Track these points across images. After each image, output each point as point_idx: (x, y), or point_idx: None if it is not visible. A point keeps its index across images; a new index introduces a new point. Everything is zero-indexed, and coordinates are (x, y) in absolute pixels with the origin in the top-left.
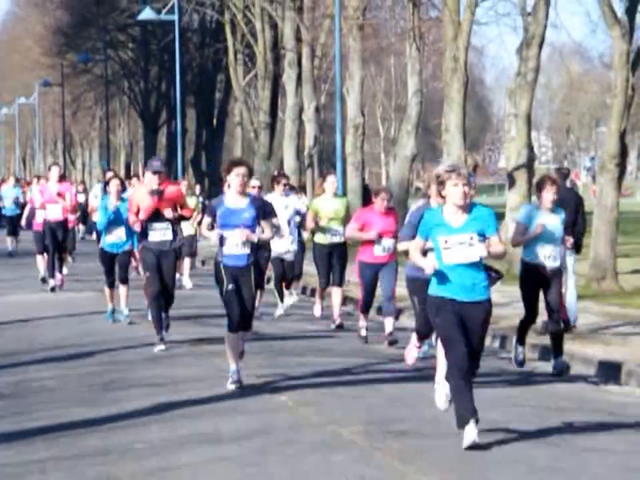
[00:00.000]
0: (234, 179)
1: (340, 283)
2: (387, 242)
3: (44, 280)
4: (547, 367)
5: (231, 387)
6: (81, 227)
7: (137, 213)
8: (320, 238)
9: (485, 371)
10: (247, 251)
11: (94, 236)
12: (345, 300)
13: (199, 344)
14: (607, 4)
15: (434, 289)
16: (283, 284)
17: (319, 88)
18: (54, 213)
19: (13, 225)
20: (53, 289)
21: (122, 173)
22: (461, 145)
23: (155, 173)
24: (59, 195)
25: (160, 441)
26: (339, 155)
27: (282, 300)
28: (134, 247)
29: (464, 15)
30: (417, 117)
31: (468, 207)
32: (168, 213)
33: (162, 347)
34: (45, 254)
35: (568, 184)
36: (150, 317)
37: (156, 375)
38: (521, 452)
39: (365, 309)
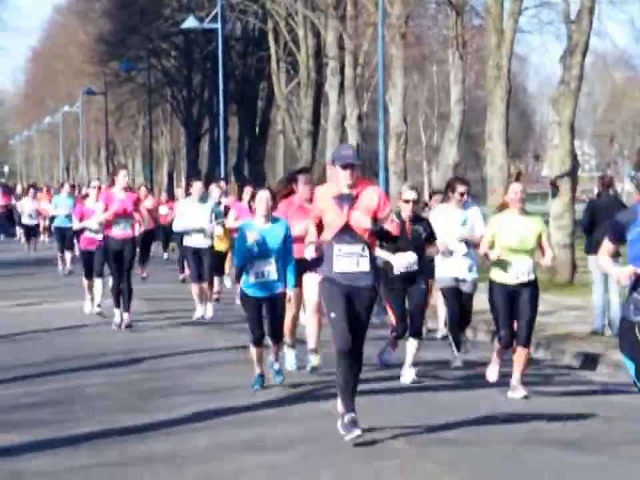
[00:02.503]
0: None
1: (525, 341)
2: None
3: (101, 314)
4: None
5: None
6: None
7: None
8: (499, 275)
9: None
10: None
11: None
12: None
13: (244, 351)
14: None
15: None
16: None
17: (362, 96)
18: (121, 228)
19: (65, 238)
20: (119, 326)
21: (164, 180)
22: (504, 153)
23: (346, 166)
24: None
25: (204, 448)
26: (381, 163)
27: (459, 347)
28: (287, 286)
29: (507, 23)
30: (460, 125)
31: None
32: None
33: (356, 432)
34: (99, 279)
35: (611, 192)
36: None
37: (201, 383)
38: (566, 461)
39: None
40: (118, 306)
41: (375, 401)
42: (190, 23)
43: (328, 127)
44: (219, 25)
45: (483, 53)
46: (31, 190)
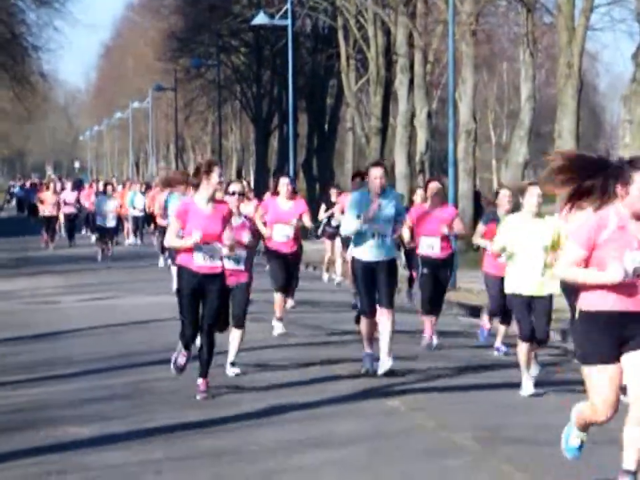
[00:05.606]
0: None
1: None
2: None
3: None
4: None
5: None
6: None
7: None
8: None
9: None
10: None
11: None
12: None
13: (313, 348)
14: None
15: None
16: None
17: (431, 93)
18: (207, 258)
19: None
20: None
21: (233, 177)
22: None
23: None
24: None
25: (273, 443)
26: (451, 161)
27: None
28: None
29: (578, 21)
30: (530, 122)
31: None
32: None
33: None
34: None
35: None
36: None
37: (268, 379)
38: None
39: None
40: (204, 375)
41: (441, 398)
42: (260, 19)
43: (397, 124)
44: (289, 22)
45: (553, 51)
46: (108, 187)
